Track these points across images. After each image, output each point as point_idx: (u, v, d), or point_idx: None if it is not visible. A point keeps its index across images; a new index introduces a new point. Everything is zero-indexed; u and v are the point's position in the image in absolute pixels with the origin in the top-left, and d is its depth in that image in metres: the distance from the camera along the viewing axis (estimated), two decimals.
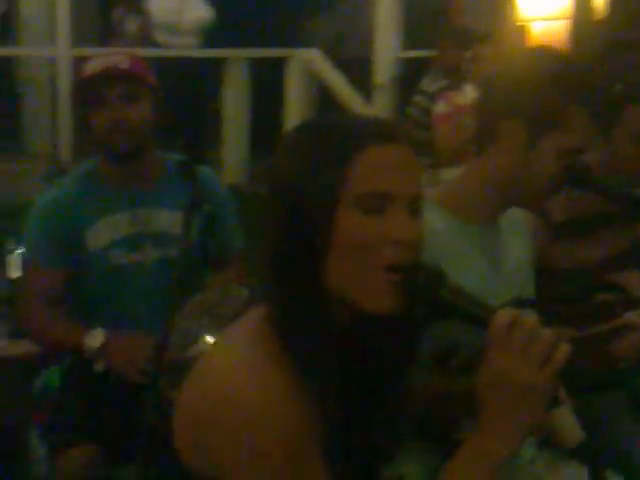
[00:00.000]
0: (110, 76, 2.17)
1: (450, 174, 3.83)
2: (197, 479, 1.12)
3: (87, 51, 6.38)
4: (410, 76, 6.40)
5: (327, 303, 1.11)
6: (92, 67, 2.21)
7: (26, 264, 2.35)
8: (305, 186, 1.09)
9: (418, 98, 4.86)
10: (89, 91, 2.19)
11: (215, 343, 1.15)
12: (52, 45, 5.97)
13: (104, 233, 2.23)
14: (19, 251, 3.02)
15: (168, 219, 2.27)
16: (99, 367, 2.11)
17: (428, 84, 4.89)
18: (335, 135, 1.11)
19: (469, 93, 3.90)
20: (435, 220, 1.61)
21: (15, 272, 3.09)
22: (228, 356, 1.09)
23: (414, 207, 1.12)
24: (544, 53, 1.69)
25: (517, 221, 1.83)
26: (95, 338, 2.10)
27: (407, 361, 1.23)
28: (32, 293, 2.24)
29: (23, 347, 2.63)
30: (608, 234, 2.16)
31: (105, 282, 2.23)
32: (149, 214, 2.27)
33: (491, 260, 1.69)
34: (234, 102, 5.58)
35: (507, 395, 1.06)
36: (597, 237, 2.18)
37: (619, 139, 2.14)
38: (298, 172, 1.10)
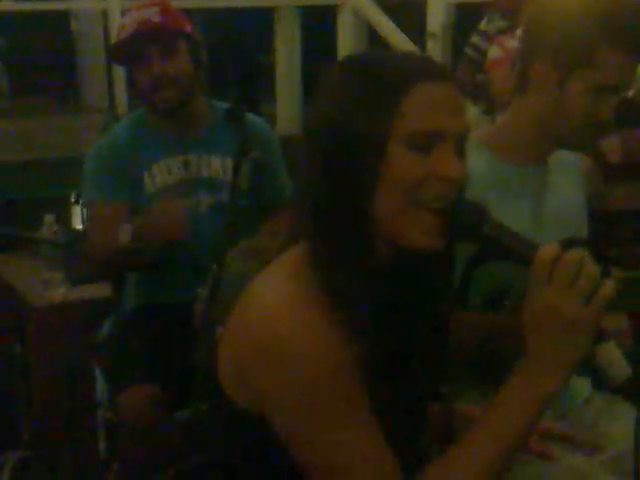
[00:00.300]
0: (144, 32, 2.19)
1: None
2: (243, 415, 1.13)
3: (137, 3, 6.42)
4: (464, 23, 6.31)
5: (372, 240, 1.11)
6: (125, 26, 2.22)
7: (88, 206, 2.41)
8: (356, 123, 1.08)
9: (475, 38, 4.77)
10: (126, 49, 2.22)
11: (257, 280, 1.14)
12: None
13: (159, 177, 2.28)
14: (80, 202, 3.11)
15: (220, 165, 2.30)
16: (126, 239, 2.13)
17: (486, 24, 4.79)
18: (385, 72, 1.10)
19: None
20: (479, 160, 1.62)
21: (78, 223, 3.18)
22: (270, 294, 1.10)
23: (460, 146, 1.12)
24: None
25: (569, 163, 1.82)
26: (125, 233, 2.13)
27: (446, 299, 1.24)
28: (96, 225, 2.30)
29: (83, 293, 2.72)
30: None
31: None
32: (201, 160, 2.31)
33: (536, 202, 1.68)
34: (286, 53, 5.54)
35: (552, 330, 1.06)
36: None
37: None
38: (348, 109, 1.09)
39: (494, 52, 3.99)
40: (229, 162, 2.23)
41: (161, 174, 2.28)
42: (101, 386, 2.53)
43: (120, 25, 2.27)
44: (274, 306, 1.08)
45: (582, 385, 1.76)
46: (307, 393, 1.06)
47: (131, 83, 2.31)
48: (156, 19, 2.21)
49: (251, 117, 2.31)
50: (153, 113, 2.30)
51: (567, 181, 1.78)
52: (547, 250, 1.07)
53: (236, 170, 2.10)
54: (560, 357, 1.07)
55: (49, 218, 3.03)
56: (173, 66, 2.20)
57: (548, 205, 1.69)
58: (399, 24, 5.19)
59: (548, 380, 1.08)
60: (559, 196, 1.74)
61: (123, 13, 5.67)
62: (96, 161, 2.31)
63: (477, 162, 1.63)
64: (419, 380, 1.22)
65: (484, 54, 4.33)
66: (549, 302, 1.05)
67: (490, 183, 1.61)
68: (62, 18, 6.73)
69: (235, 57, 5.07)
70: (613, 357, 1.07)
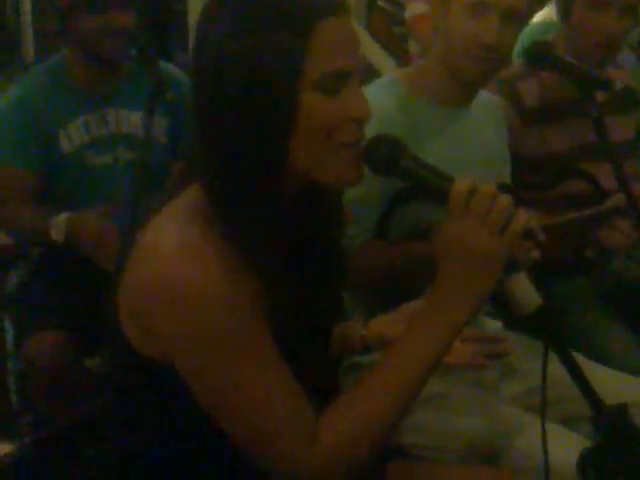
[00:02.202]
0: None
1: None
2: (149, 365, 1.11)
3: None
4: None
5: (281, 184, 1.09)
6: None
7: None
8: (264, 70, 1.02)
9: None
10: None
11: (150, 226, 1.10)
12: None
13: (76, 134, 2.22)
14: None
15: (139, 121, 2.25)
16: (60, 238, 2.09)
17: None
18: (288, 6, 1.04)
19: None
20: (391, 97, 1.64)
21: None
22: (166, 238, 1.07)
23: (360, 81, 1.11)
24: None
25: (492, 108, 1.83)
26: (61, 219, 2.09)
27: (338, 230, 1.25)
28: (4, 193, 2.21)
29: None
30: (579, 122, 2.14)
31: (78, 183, 2.23)
32: (119, 115, 2.27)
33: (455, 142, 1.69)
34: (199, 1, 5.43)
35: (462, 260, 1.06)
36: (568, 125, 2.17)
37: (578, 10, 2.09)
38: (252, 51, 1.02)
39: (418, 7, 3.94)
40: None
41: (78, 131, 2.22)
42: (10, 337, 2.46)
43: None
44: (167, 251, 1.05)
45: (493, 325, 1.78)
46: (206, 336, 1.04)
47: (61, 30, 2.19)
48: None
49: (164, 63, 2.27)
50: (87, 63, 2.20)
51: (488, 125, 1.80)
52: (463, 182, 1.06)
53: (150, 112, 2.06)
54: (469, 288, 1.07)
55: None
56: (129, 18, 2.14)
57: (467, 147, 1.70)
58: None
59: (455, 311, 1.08)
60: (483, 140, 1.76)
61: None
62: (9, 121, 2.21)
63: (390, 99, 1.63)
64: (320, 313, 1.21)
65: (402, 7, 4.31)
66: (461, 232, 1.05)
67: (402, 120, 1.62)
68: None
69: (145, 3, 4.92)
70: (524, 288, 1.07)
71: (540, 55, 2.01)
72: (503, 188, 1.72)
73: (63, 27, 2.17)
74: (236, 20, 1.04)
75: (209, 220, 1.06)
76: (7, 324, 2.47)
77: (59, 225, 2.08)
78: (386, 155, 1.10)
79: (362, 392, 1.10)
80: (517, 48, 2.76)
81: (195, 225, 1.06)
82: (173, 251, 1.04)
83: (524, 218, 1.06)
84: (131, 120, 2.27)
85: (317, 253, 1.21)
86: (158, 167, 2.21)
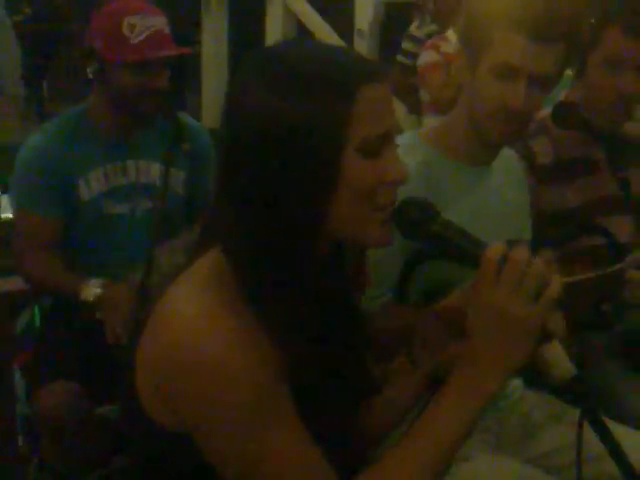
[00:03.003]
0: (157, 43, 2.16)
1: (434, 121, 3.82)
2: (162, 433, 1.10)
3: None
4: (392, 21, 6.34)
5: (317, 248, 1.08)
6: (134, 27, 2.15)
7: (18, 212, 2.29)
8: (306, 136, 1.02)
9: (407, 44, 4.79)
10: (130, 53, 2.14)
11: (170, 293, 1.08)
12: None
13: (96, 183, 2.24)
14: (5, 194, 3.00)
15: (157, 172, 2.28)
16: (98, 316, 2.10)
17: (417, 29, 4.82)
18: (331, 73, 1.04)
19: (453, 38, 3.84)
20: (417, 155, 1.63)
21: (4, 212, 3.06)
22: (186, 306, 1.05)
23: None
24: None
25: (513, 165, 1.83)
26: (91, 289, 2.10)
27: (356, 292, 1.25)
28: (26, 241, 2.24)
29: (8, 285, 2.62)
30: (594, 178, 2.15)
31: (95, 231, 2.25)
32: (139, 166, 2.28)
33: (477, 200, 1.68)
34: (213, 44, 5.49)
35: (498, 330, 1.04)
36: (581, 181, 2.17)
37: (593, 69, 2.06)
38: (294, 117, 1.02)
39: (430, 56, 3.99)
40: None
41: (98, 181, 2.23)
42: (18, 382, 2.45)
43: (127, 24, 2.16)
44: (187, 321, 1.03)
45: (515, 383, 1.77)
46: (225, 410, 1.02)
47: (99, 78, 2.21)
48: (166, 30, 2.19)
49: (182, 114, 2.30)
50: (114, 115, 2.22)
51: (509, 182, 1.79)
52: (494, 249, 1.05)
53: (167, 163, 2.07)
54: (503, 357, 1.05)
55: None
56: (167, 77, 2.20)
57: (490, 207, 1.69)
58: (328, 20, 5.19)
59: (489, 382, 1.06)
60: (505, 197, 1.75)
61: None
62: (30, 168, 2.22)
63: (413, 157, 1.63)
64: (345, 377, 1.20)
65: (416, 57, 4.35)
66: (495, 302, 1.04)
67: (425, 178, 1.61)
68: None
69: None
70: (558, 356, 1.06)
71: (566, 117, 2.02)
72: (524, 245, 1.73)
73: (102, 76, 2.19)
74: (278, 86, 1.03)
75: (231, 287, 1.05)
76: (14, 367, 2.46)
77: (94, 290, 2.09)
78: (417, 219, 1.10)
79: (393, 461, 1.08)
80: None
81: (216, 293, 1.05)
82: (194, 320, 1.03)
83: (558, 285, 1.04)
84: (151, 171, 2.29)
85: (338, 316, 1.19)
86: (175, 217, 2.26)
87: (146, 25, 2.16)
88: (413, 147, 1.67)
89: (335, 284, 1.20)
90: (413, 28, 4.84)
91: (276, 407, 1.04)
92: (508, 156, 1.82)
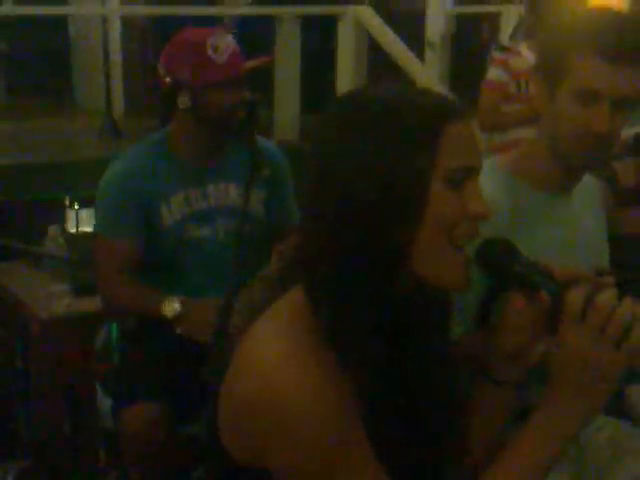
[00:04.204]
0: (238, 61, 2.24)
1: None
2: (239, 469, 1.13)
3: (135, 10, 6.43)
4: (462, 33, 6.33)
5: (395, 285, 1.10)
6: (219, 48, 2.21)
7: (101, 236, 2.34)
8: (397, 172, 1.05)
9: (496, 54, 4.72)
10: (219, 74, 2.21)
11: (252, 333, 1.10)
12: (102, 5, 6.03)
13: (177, 209, 2.29)
14: (76, 207, 3.10)
15: (237, 193, 2.33)
16: (178, 331, 2.16)
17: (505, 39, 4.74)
18: (419, 115, 1.07)
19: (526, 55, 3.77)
20: (499, 185, 1.62)
21: (72, 227, 3.16)
22: (267, 350, 1.07)
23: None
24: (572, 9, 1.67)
25: (592, 192, 1.82)
26: (172, 306, 2.16)
27: (447, 331, 1.24)
28: (109, 265, 2.28)
29: (87, 304, 2.71)
30: None
31: (177, 253, 2.29)
32: (219, 190, 2.34)
33: (556, 227, 1.67)
34: (286, 61, 5.55)
35: (581, 372, 1.06)
36: None
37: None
38: (386, 157, 1.06)
39: (492, 73, 3.92)
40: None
41: (179, 206, 2.29)
42: (100, 397, 2.52)
43: (210, 46, 2.22)
44: (273, 367, 1.05)
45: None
46: (307, 450, 1.04)
47: (191, 106, 2.25)
48: (238, 46, 2.27)
49: (260, 138, 2.32)
50: (196, 139, 2.29)
51: (588, 209, 1.78)
52: (579, 291, 1.06)
53: (249, 186, 2.12)
54: (585, 400, 1.08)
55: (53, 230, 3.01)
56: (248, 86, 2.27)
57: (572, 235, 1.68)
58: (399, 33, 5.20)
59: (569, 423, 1.09)
60: (581, 225, 1.73)
61: (121, 18, 5.76)
62: (109, 189, 2.28)
63: (492, 183, 1.62)
64: (430, 415, 1.20)
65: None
66: (579, 344, 1.05)
67: (505, 204, 1.59)
68: (61, 22, 6.73)
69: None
70: None
71: None
72: (603, 273, 1.72)
73: (193, 103, 2.24)
74: (372, 129, 1.07)
75: (312, 330, 1.07)
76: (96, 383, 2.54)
77: (175, 306, 2.15)
78: (501, 260, 1.12)
79: None
80: None
81: (299, 336, 1.07)
82: (274, 366, 1.04)
83: None
84: (230, 193, 2.34)
85: (426, 355, 1.20)
86: (256, 238, 2.30)
87: (226, 43, 2.23)
88: (491, 172, 1.65)
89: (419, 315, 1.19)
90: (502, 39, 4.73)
91: (349, 442, 1.06)
92: (587, 182, 1.80)
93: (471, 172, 1.10)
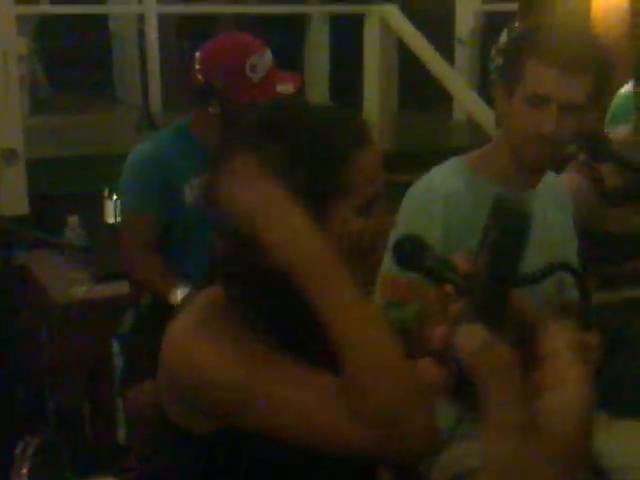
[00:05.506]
0: (272, 75, 2.32)
1: None
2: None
3: (171, 8, 6.60)
4: (492, 30, 6.35)
5: None
6: (256, 66, 2.31)
7: (126, 211, 2.47)
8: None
9: (495, 54, 4.81)
10: (254, 93, 2.28)
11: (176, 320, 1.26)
12: (140, 3, 6.22)
13: (199, 190, 2.35)
14: (114, 198, 3.20)
15: None
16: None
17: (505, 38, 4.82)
18: (329, 144, 1.19)
19: None
20: (459, 179, 1.74)
21: (111, 218, 3.30)
22: (178, 330, 1.23)
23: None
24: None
25: (558, 191, 1.92)
26: (179, 294, 2.25)
27: None
28: (132, 239, 2.39)
29: (105, 290, 2.86)
30: None
31: (194, 235, 2.35)
32: None
33: None
34: (315, 60, 5.64)
35: None
36: None
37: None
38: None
39: None
40: None
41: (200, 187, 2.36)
42: (119, 376, 2.64)
43: (250, 65, 2.30)
44: (186, 337, 1.21)
45: None
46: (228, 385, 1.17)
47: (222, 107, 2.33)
48: (273, 62, 2.35)
49: None
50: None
51: (553, 206, 1.87)
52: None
53: None
54: None
55: (73, 220, 3.12)
56: None
57: (538, 230, 1.76)
58: (426, 32, 5.26)
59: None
60: (544, 221, 1.83)
61: (158, 16, 5.91)
62: (136, 173, 2.38)
63: (456, 178, 1.75)
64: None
65: None
66: None
67: (467, 198, 1.72)
68: (101, 19, 6.93)
69: None
70: None
71: (595, 151, 2.07)
72: (564, 267, 1.82)
73: (222, 110, 2.31)
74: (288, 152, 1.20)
75: (224, 304, 1.22)
76: (116, 362, 2.64)
77: (182, 290, 2.24)
78: (412, 256, 1.24)
79: None
80: (607, 117, 2.84)
81: (211, 309, 1.23)
82: (191, 336, 1.21)
83: None
84: None
85: None
86: None
87: (264, 62, 2.32)
88: (455, 168, 1.78)
89: None
90: (502, 37, 4.84)
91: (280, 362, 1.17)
92: (553, 182, 1.91)
93: (377, 197, 1.22)
